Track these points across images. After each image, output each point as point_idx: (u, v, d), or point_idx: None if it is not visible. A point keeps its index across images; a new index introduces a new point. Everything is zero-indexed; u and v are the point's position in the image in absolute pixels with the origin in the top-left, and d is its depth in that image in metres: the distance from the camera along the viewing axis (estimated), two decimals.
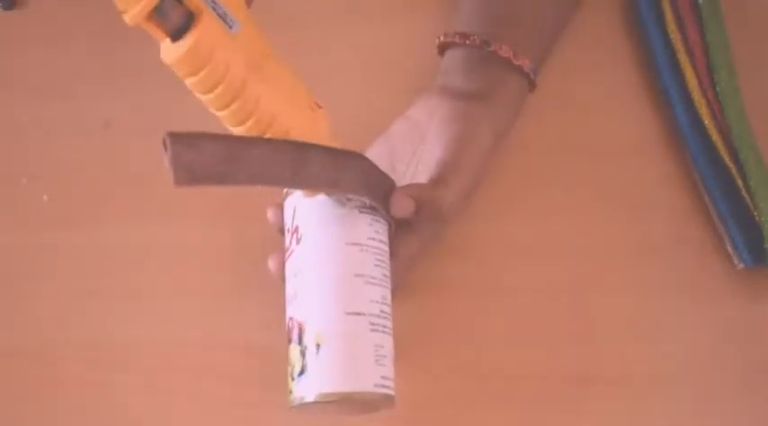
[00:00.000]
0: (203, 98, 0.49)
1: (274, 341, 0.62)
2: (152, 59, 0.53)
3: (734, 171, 0.65)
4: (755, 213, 0.64)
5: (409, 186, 0.59)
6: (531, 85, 0.67)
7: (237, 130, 0.50)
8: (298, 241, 0.56)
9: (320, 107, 0.55)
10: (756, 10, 0.73)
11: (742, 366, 0.62)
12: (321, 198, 0.56)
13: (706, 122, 0.67)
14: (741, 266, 0.63)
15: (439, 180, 0.60)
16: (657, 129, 0.69)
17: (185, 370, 0.63)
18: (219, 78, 0.48)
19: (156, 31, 0.47)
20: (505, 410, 0.61)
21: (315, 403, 0.53)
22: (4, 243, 0.67)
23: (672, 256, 0.65)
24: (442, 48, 0.68)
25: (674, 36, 0.70)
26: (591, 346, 0.62)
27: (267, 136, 0.51)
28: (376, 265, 0.56)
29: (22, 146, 0.70)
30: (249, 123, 0.50)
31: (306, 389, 0.54)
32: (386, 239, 0.58)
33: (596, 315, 0.63)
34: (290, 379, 0.55)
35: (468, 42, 0.65)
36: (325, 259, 0.55)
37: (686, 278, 0.64)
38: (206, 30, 0.47)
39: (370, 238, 0.56)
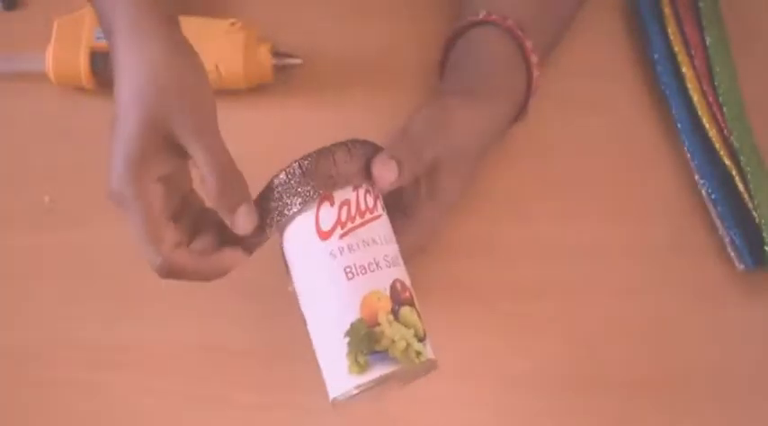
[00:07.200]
0: None
1: (273, 342, 0.62)
2: None
3: (734, 172, 0.65)
4: (756, 215, 0.64)
5: (381, 153, 0.56)
6: (528, 85, 0.65)
7: None
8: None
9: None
10: (756, 10, 0.73)
11: (743, 367, 0.62)
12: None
13: (706, 124, 0.67)
14: (742, 268, 0.63)
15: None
16: (657, 131, 0.69)
17: (185, 371, 0.63)
18: None
19: None
20: (509, 410, 0.61)
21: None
22: (5, 243, 0.67)
23: (672, 258, 0.65)
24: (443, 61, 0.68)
25: (674, 37, 0.70)
26: (591, 348, 0.63)
27: None
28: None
29: (23, 147, 0.70)
30: None
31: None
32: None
33: (595, 317, 0.63)
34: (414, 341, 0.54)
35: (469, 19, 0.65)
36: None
37: (687, 280, 0.64)
38: None
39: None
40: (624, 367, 0.62)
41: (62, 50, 0.69)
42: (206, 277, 0.56)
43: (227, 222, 0.55)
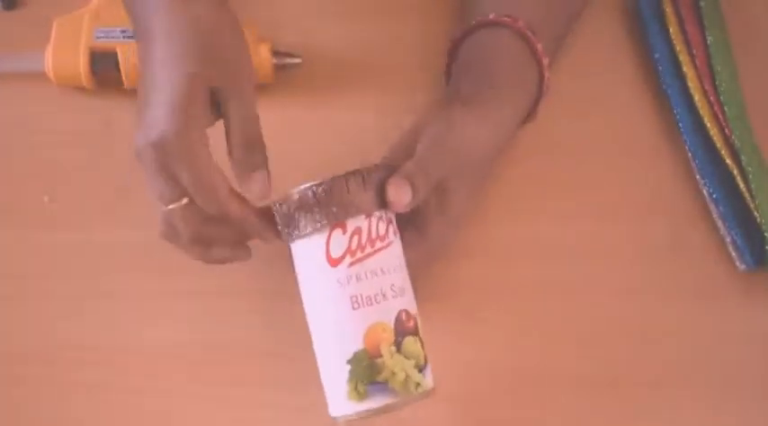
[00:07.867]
0: None
1: (274, 342, 0.62)
2: None
3: (735, 172, 0.65)
4: (757, 215, 0.64)
5: (395, 175, 0.56)
6: (540, 88, 0.65)
7: None
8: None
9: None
10: (757, 10, 0.73)
11: (744, 367, 0.62)
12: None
13: (707, 123, 0.67)
14: (743, 268, 0.63)
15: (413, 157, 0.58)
16: (658, 130, 0.69)
17: (185, 372, 0.63)
18: None
19: None
20: (509, 409, 0.61)
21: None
22: (5, 243, 0.67)
23: (673, 258, 0.65)
24: (450, 62, 0.67)
25: (676, 36, 0.70)
26: (592, 348, 0.63)
27: None
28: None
29: (23, 147, 0.70)
30: None
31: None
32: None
33: (597, 317, 0.63)
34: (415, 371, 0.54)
35: (480, 20, 0.64)
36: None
37: (688, 279, 0.64)
38: None
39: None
40: (624, 367, 0.62)
41: (62, 50, 0.69)
42: (247, 229, 0.57)
43: (241, 188, 0.55)
